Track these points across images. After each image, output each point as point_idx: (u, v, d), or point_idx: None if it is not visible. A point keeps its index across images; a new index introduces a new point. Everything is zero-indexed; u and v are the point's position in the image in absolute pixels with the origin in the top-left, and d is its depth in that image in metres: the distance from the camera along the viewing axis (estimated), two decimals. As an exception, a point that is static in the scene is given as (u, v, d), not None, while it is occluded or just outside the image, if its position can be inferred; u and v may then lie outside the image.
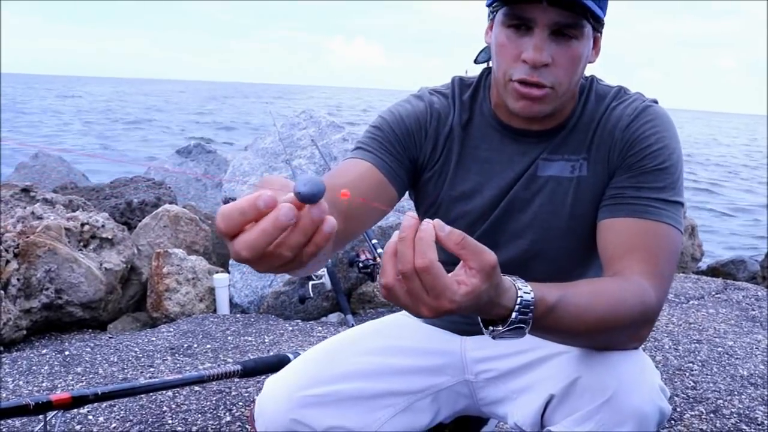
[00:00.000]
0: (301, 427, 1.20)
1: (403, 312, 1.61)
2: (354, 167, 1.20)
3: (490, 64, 1.27)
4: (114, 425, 2.08)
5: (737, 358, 2.77)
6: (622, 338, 1.07)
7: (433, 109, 1.29)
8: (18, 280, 3.17)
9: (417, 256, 0.76)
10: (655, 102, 1.23)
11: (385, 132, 1.25)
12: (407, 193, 1.33)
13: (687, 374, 2.57)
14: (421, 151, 1.28)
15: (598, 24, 1.16)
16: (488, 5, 1.19)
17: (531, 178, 1.24)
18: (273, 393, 1.24)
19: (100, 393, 1.57)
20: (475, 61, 1.40)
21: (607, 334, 1.03)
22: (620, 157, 1.19)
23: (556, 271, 1.25)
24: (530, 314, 0.87)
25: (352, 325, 2.80)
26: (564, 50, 1.12)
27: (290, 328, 3.16)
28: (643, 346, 2.97)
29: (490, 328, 0.89)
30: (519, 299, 0.86)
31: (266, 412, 1.22)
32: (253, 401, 1.30)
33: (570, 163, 1.23)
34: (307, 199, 0.64)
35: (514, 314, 0.86)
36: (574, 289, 0.98)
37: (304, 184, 0.64)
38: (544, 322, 0.91)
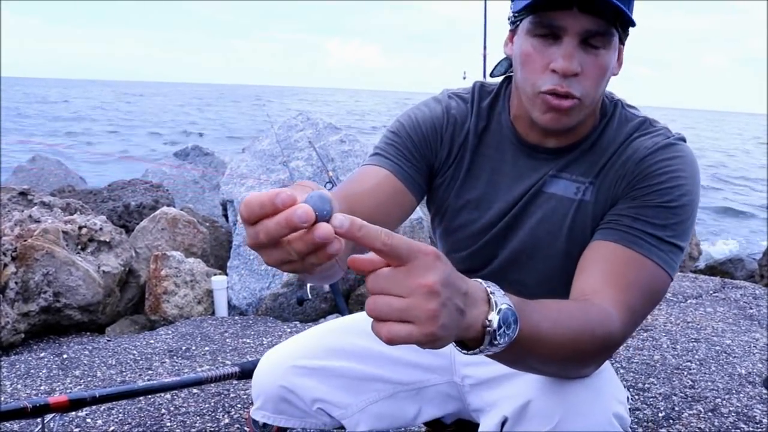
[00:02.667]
0: (290, 395, 1.24)
1: None
2: (373, 175, 1.20)
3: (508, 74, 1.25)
4: (112, 428, 2.07)
5: (735, 357, 2.77)
6: (577, 366, 1.00)
7: (450, 115, 1.27)
8: (16, 283, 3.17)
9: (378, 239, 0.68)
10: (682, 140, 1.17)
11: (403, 138, 1.25)
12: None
13: (685, 373, 2.58)
14: (436, 158, 1.27)
15: (624, 34, 1.13)
16: (514, 12, 1.15)
17: (536, 193, 1.23)
18: (269, 361, 1.28)
19: (97, 396, 1.57)
20: (491, 75, 1.38)
21: (570, 356, 0.95)
22: (627, 187, 1.14)
23: (549, 290, 1.22)
24: (509, 301, 0.77)
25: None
26: (592, 60, 1.09)
27: (288, 330, 3.16)
28: (642, 345, 2.97)
29: (487, 337, 0.76)
30: (488, 288, 0.77)
31: (261, 379, 1.27)
32: (252, 403, 1.31)
33: (576, 184, 1.20)
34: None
35: (495, 301, 0.76)
36: (540, 303, 0.90)
37: (311, 197, 0.67)
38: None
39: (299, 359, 1.26)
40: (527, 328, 0.81)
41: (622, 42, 1.14)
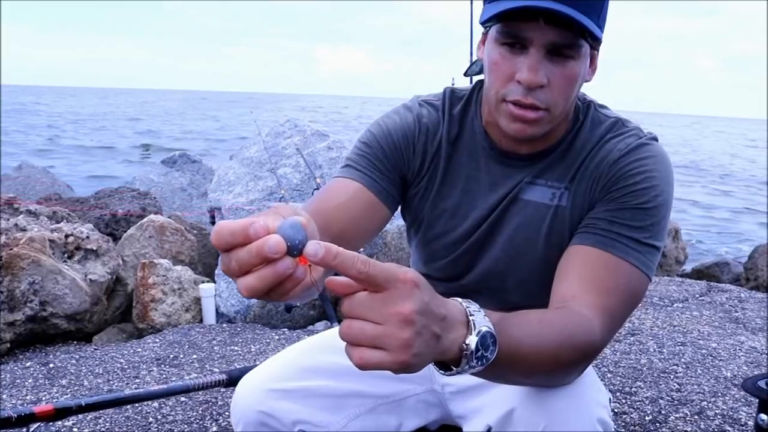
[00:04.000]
0: (270, 419, 1.22)
1: None
2: (345, 188, 1.19)
3: (482, 77, 1.23)
4: (99, 437, 2.06)
5: (721, 360, 2.79)
6: (559, 376, 1.01)
7: (421, 123, 1.26)
8: (1, 292, 3.14)
9: (353, 267, 0.68)
10: (654, 139, 1.17)
11: (374, 149, 1.23)
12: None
13: (672, 377, 2.59)
14: (409, 168, 1.26)
15: (595, 42, 1.10)
16: (482, 22, 1.15)
17: (513, 200, 1.22)
18: (246, 386, 1.26)
19: (83, 404, 1.56)
20: (466, 74, 1.36)
21: (553, 368, 0.95)
22: (603, 191, 1.14)
23: (530, 295, 1.23)
24: (489, 323, 0.77)
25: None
26: (560, 70, 1.07)
27: (277, 337, 3.15)
28: (629, 349, 2.97)
29: (464, 360, 0.76)
30: (467, 309, 0.77)
31: (239, 405, 1.25)
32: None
33: (551, 190, 1.20)
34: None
35: (474, 323, 0.76)
36: (520, 317, 0.90)
37: (282, 226, 0.68)
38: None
39: (275, 382, 1.24)
40: (507, 347, 0.80)
41: (595, 48, 1.13)
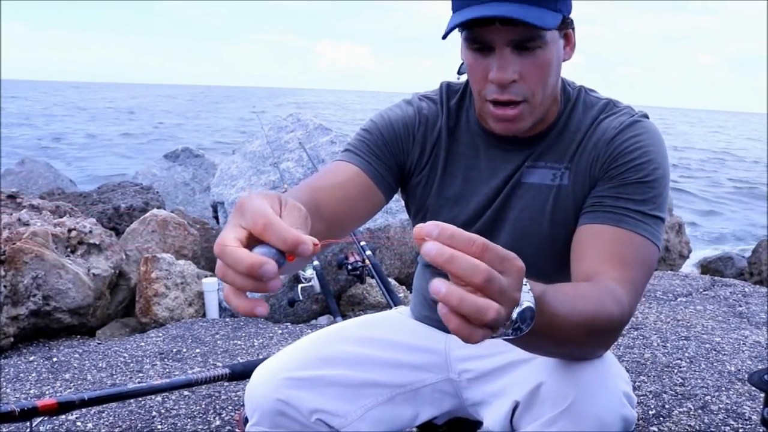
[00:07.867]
0: (287, 408, 1.22)
1: (395, 308, 1.62)
2: (342, 170, 1.23)
3: None
4: (103, 431, 2.06)
5: (725, 354, 2.79)
6: (594, 345, 1.02)
7: (421, 115, 1.30)
8: (5, 287, 3.15)
9: (470, 246, 0.71)
10: (645, 117, 1.22)
11: (375, 136, 1.27)
12: (394, 196, 1.34)
13: (675, 371, 2.59)
14: (409, 157, 1.30)
15: (563, 24, 1.14)
16: (443, 37, 1.18)
17: (516, 184, 1.26)
18: (261, 375, 1.26)
19: (86, 398, 1.56)
20: (458, 73, 1.41)
21: (586, 339, 0.96)
22: (602, 169, 1.18)
23: (537, 276, 1.24)
24: (532, 297, 0.77)
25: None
26: (530, 61, 1.11)
27: (279, 332, 3.15)
28: (632, 343, 2.96)
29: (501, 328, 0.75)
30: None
31: (254, 394, 1.24)
32: (243, 405, 1.30)
33: (552, 171, 1.24)
34: None
35: (523, 297, 0.76)
36: (557, 287, 0.90)
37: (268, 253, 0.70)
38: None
39: (292, 371, 1.24)
40: (544, 319, 0.79)
41: (566, 29, 1.16)
